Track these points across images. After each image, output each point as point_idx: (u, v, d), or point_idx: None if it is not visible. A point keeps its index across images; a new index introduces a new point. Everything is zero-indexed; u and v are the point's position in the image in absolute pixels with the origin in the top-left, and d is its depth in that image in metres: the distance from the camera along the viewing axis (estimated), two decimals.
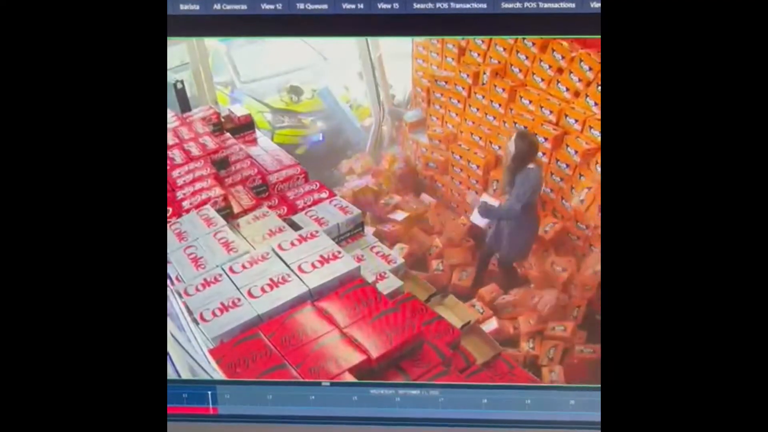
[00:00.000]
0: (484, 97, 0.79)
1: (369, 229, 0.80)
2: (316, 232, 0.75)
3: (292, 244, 0.74)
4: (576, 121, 0.72)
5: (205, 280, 0.71)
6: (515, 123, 0.76)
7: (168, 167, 0.83)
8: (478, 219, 0.78)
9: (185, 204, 0.80)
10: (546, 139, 0.73)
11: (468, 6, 0.58)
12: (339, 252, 0.73)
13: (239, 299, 0.69)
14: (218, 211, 0.79)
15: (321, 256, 0.72)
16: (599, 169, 0.70)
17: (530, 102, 0.75)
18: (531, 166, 0.74)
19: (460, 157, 0.82)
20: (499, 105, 0.77)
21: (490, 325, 0.73)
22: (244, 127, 0.86)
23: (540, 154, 0.74)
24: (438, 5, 0.58)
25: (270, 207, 0.81)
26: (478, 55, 0.78)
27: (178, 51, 0.76)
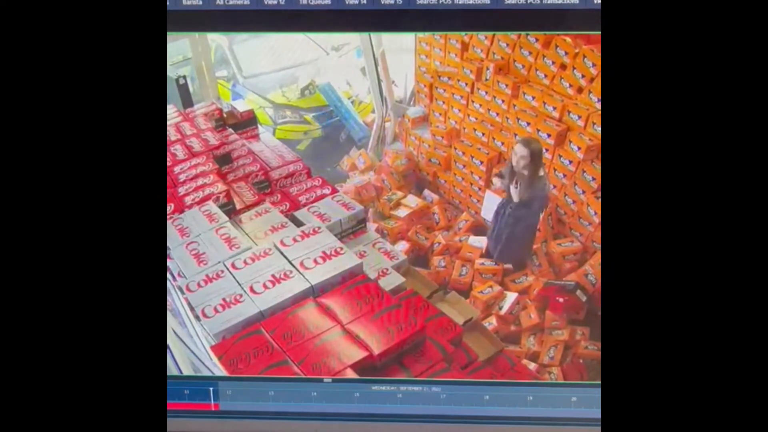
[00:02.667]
0: (487, 93, 0.79)
1: (371, 226, 0.80)
2: (319, 228, 0.75)
3: (295, 240, 0.74)
4: (579, 117, 0.71)
5: (207, 276, 0.71)
6: (518, 119, 0.76)
7: (170, 163, 0.83)
8: (489, 214, 0.78)
9: (187, 200, 0.80)
10: (549, 135, 0.73)
11: (471, 1, 0.57)
12: (341, 248, 0.73)
13: (241, 295, 0.69)
14: (220, 207, 0.79)
15: (323, 253, 0.72)
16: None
17: (533, 98, 0.75)
18: (541, 174, 0.74)
19: (463, 153, 0.81)
20: (502, 101, 0.77)
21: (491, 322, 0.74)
22: (247, 123, 0.86)
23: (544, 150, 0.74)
24: (441, 0, 0.58)
25: (272, 203, 0.81)
26: (481, 51, 0.77)
27: (181, 46, 0.76)
